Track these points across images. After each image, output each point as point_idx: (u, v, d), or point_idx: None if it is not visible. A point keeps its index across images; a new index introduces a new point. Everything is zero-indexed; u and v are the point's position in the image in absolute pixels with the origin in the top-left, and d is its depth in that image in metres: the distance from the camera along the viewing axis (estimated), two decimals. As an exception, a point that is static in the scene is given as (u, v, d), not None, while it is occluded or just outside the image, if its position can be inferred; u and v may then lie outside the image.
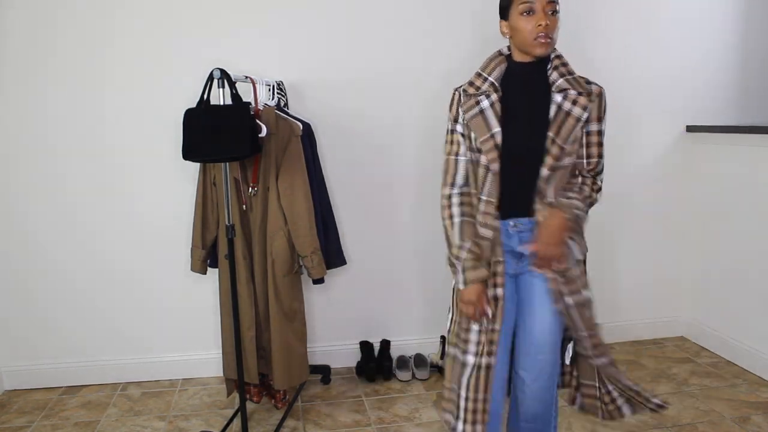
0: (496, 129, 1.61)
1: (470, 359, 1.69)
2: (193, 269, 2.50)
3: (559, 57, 1.66)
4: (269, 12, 2.76)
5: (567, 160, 1.62)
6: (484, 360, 1.67)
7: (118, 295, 2.88)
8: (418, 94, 2.89)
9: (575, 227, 1.65)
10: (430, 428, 2.47)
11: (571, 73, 1.64)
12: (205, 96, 2.18)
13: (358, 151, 2.90)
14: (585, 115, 1.60)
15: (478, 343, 1.68)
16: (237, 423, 2.51)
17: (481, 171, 1.65)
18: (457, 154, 1.71)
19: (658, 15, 3.08)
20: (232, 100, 2.13)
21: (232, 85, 2.12)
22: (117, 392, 2.85)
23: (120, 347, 2.93)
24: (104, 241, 2.83)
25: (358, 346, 3.06)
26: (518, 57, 1.67)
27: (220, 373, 2.92)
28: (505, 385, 1.78)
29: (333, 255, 2.58)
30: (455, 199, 1.71)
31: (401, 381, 2.90)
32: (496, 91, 1.65)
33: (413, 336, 3.09)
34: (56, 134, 2.73)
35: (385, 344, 3.01)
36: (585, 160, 1.68)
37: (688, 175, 3.24)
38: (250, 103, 2.25)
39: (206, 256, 2.50)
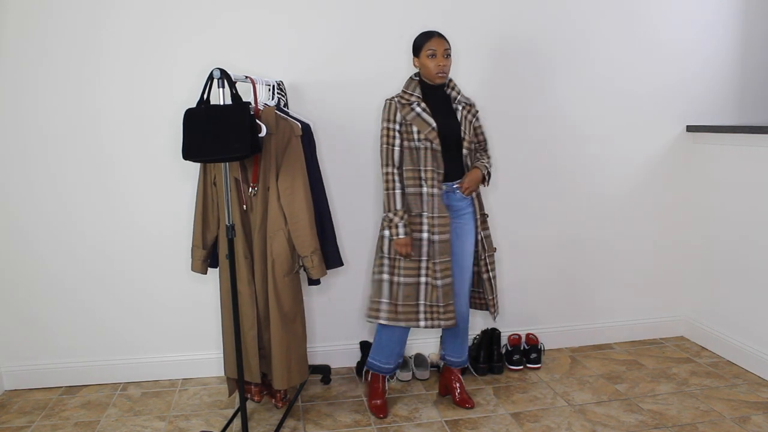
0: (434, 124, 2.41)
1: (423, 280, 2.45)
2: (193, 269, 2.50)
3: (451, 80, 2.53)
4: (269, 12, 2.76)
5: (472, 146, 2.53)
6: (440, 281, 2.43)
7: (119, 295, 2.89)
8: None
9: (486, 177, 2.54)
10: (430, 428, 2.47)
11: (459, 92, 2.52)
12: (205, 96, 2.18)
13: (358, 152, 2.90)
14: (474, 120, 2.54)
15: (427, 269, 2.44)
16: (237, 423, 2.51)
17: (422, 153, 2.41)
18: (394, 145, 2.43)
19: (658, 15, 3.08)
20: (232, 100, 2.13)
21: (232, 85, 2.12)
22: (117, 392, 2.85)
23: (120, 347, 2.93)
24: (104, 242, 2.83)
25: (358, 346, 3.06)
26: (427, 81, 2.46)
27: (221, 373, 2.92)
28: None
29: (330, 256, 2.57)
30: (397, 177, 2.43)
31: (401, 381, 2.90)
32: (421, 101, 2.43)
33: (413, 336, 3.08)
34: (54, 135, 2.73)
35: (385, 344, 3.01)
36: (480, 144, 2.60)
37: (688, 175, 3.24)
38: (250, 103, 2.25)
39: (207, 256, 2.50)
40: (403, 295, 2.44)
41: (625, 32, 3.06)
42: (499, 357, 2.96)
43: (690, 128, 3.20)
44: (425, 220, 2.42)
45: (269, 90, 2.52)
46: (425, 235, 2.42)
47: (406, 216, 2.40)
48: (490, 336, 2.99)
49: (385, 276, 2.47)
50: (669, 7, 3.09)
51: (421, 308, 2.45)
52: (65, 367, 2.90)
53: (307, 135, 2.48)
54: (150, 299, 2.90)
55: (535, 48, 2.98)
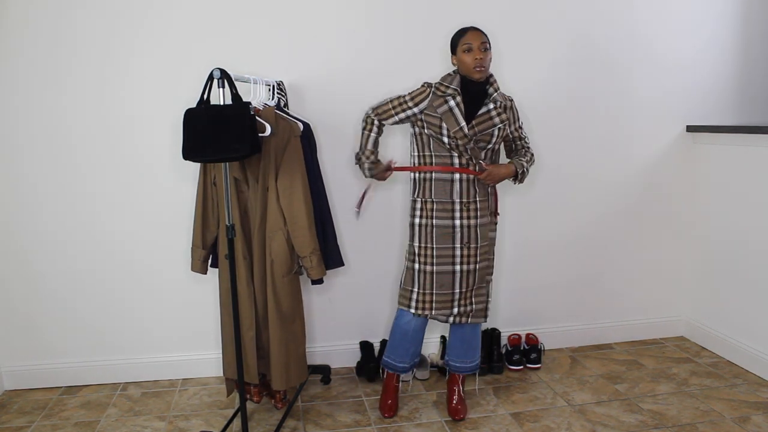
0: (463, 123, 2.34)
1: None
2: (193, 269, 2.50)
3: (492, 76, 2.41)
4: (269, 12, 2.76)
5: (491, 143, 2.40)
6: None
7: (118, 295, 2.88)
8: (418, 94, 2.89)
9: (516, 174, 2.46)
10: (430, 428, 2.47)
11: (497, 89, 2.41)
12: (205, 96, 2.18)
13: (358, 151, 2.90)
14: (503, 123, 2.41)
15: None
16: (237, 423, 2.51)
17: (439, 144, 2.38)
18: (397, 114, 2.43)
19: (657, 15, 3.08)
20: (232, 100, 2.13)
21: (232, 84, 2.12)
22: (117, 392, 2.85)
23: (120, 347, 2.93)
24: (104, 242, 2.83)
25: (358, 346, 3.06)
26: (467, 77, 2.37)
27: (220, 373, 2.92)
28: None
29: (331, 256, 2.56)
30: (376, 123, 2.47)
31: (401, 381, 2.89)
32: (458, 94, 2.35)
33: (413, 336, 3.08)
34: (57, 134, 2.73)
35: (385, 344, 3.00)
36: (519, 142, 2.55)
37: (688, 175, 3.25)
38: (250, 103, 2.25)
39: (206, 256, 2.50)
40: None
41: (625, 32, 3.06)
42: (499, 357, 2.96)
43: (690, 128, 3.20)
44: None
45: (269, 90, 2.51)
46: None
47: (376, 155, 2.52)
48: (490, 336, 2.99)
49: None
50: (668, 6, 3.09)
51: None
52: (65, 367, 2.90)
53: (307, 135, 2.48)
54: (150, 299, 2.90)
55: (534, 48, 2.99)
